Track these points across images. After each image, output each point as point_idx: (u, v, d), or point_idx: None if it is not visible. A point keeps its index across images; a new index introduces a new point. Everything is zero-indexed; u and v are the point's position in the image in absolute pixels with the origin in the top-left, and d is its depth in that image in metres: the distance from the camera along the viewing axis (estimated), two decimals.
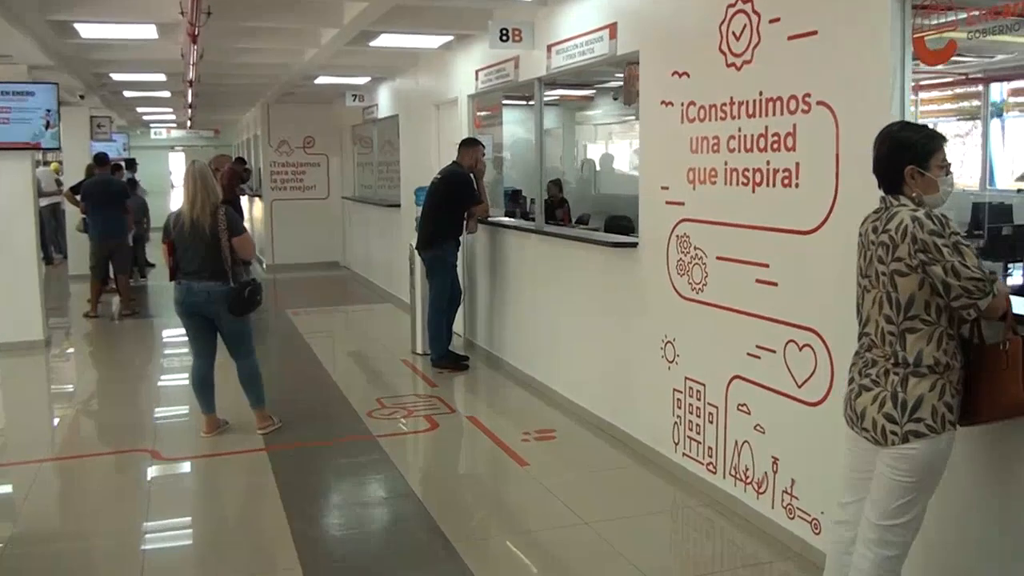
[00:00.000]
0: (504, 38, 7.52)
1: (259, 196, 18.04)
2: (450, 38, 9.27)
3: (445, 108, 10.44)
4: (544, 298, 7.69)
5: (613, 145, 15.99)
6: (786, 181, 4.65)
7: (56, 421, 7.70)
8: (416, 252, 9.07)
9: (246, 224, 7.88)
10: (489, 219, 8.72)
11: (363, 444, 6.51)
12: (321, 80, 12.84)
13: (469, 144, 8.60)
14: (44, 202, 17.43)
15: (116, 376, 9.12)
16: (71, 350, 10.63)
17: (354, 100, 13.84)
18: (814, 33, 4.41)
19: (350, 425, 6.95)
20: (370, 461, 6.18)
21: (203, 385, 6.61)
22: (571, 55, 6.97)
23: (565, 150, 15.65)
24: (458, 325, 9.16)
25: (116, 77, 12.46)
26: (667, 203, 5.71)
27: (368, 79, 13.04)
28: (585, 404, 6.96)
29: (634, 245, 6.17)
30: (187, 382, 6.88)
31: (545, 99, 8.05)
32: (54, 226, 18.29)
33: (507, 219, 9.04)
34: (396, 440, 6.68)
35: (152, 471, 6.07)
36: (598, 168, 14.99)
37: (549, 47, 7.33)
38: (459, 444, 6.85)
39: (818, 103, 4.40)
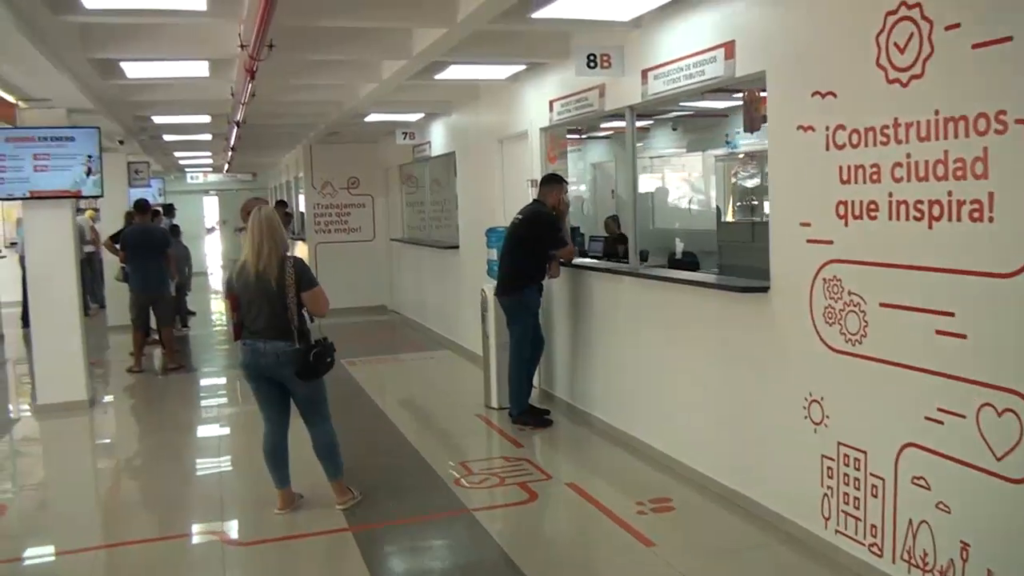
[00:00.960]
0: (592, 64, 6.85)
1: (302, 239, 17.43)
2: (521, 68, 8.60)
3: (510, 143, 9.78)
4: (643, 348, 6.97)
5: (668, 178, 15.36)
6: (975, 214, 3.91)
7: (108, 497, 7.00)
8: (490, 297, 8.38)
9: None
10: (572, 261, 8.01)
11: (459, 521, 5.77)
12: (372, 118, 12.22)
13: (552, 181, 7.91)
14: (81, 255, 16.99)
15: (170, 441, 8.43)
16: (117, 411, 9.96)
17: (404, 138, 13.21)
18: (1007, 39, 3.69)
19: (439, 497, 6.21)
20: (472, 542, 5.47)
21: (276, 456, 5.91)
22: (673, 79, 6.26)
23: (618, 184, 14.97)
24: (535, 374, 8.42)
25: (158, 120, 11.89)
26: (808, 241, 4.98)
27: (421, 115, 12.42)
28: (702, 468, 6.19)
29: (764, 290, 5.42)
30: (251, 446, 6.21)
31: (596, 133, 7.35)
32: (90, 275, 17.73)
33: (592, 260, 8.31)
34: (495, 515, 5.94)
35: (226, 559, 5.35)
36: (653, 202, 14.29)
37: (644, 72, 6.64)
38: (567, 519, 6.06)
39: (1016, 121, 3.67)
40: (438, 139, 12.55)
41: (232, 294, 5.72)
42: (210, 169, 24.84)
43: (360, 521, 5.74)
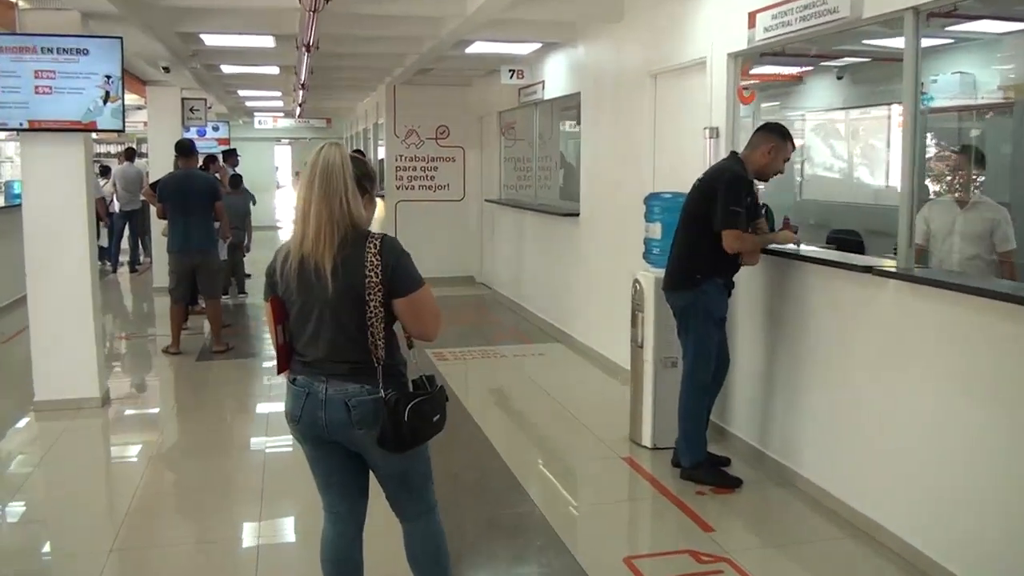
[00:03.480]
0: None
1: (380, 196, 15.06)
2: None
3: (670, 79, 7.23)
4: (909, 396, 4.43)
5: (818, 141, 12.62)
6: None
7: (116, 557, 4.66)
8: (648, 291, 5.91)
9: None
10: (779, 247, 5.46)
11: None
12: (476, 48, 9.73)
13: (768, 132, 5.36)
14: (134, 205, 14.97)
15: (198, 470, 6.13)
16: (134, 416, 7.65)
17: (511, 76, 10.69)
18: None
19: None
20: None
21: (340, 567, 3.49)
22: None
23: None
24: None
25: (210, 41, 9.51)
26: None
27: (536, 47, 9.87)
28: None
29: None
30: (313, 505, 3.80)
31: None
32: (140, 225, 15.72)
33: (814, 250, 5.71)
34: None
35: None
36: (802, 172, 11.62)
37: None
38: None
39: None
40: (556, 77, 9.99)
41: (274, 297, 3.30)
42: (281, 114, 22.53)
43: None
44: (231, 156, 14.26)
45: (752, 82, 6.96)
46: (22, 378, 7.30)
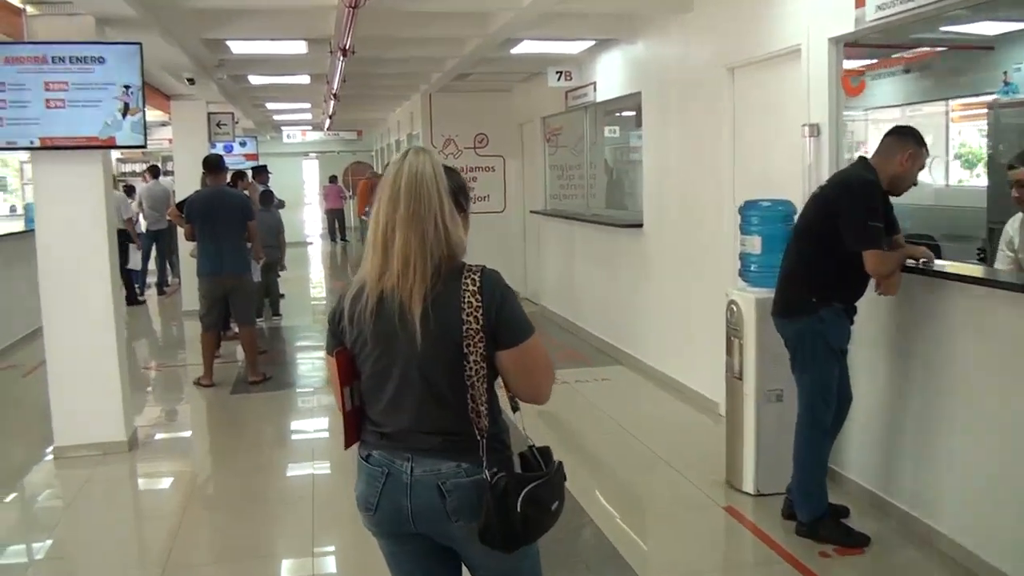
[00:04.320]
0: None
1: None
2: None
3: (751, 73, 6.46)
4: None
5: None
6: None
7: None
8: (748, 315, 5.13)
9: None
10: (925, 264, 4.63)
11: None
12: (522, 48, 8.99)
13: (902, 136, 4.55)
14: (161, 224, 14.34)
15: (238, 525, 5.41)
16: (168, 458, 6.93)
17: (559, 79, 9.93)
18: None
19: None
20: None
21: None
22: None
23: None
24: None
25: (238, 48, 8.82)
26: None
27: (589, 45, 9.10)
28: None
29: None
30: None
31: None
32: (168, 245, 15.08)
33: (956, 264, 4.88)
34: None
35: None
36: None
37: None
38: None
39: None
40: (610, 77, 9.21)
41: (341, 350, 2.55)
42: (309, 127, 21.87)
43: None
44: (261, 172, 13.60)
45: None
46: (42, 418, 6.61)
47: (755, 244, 5.24)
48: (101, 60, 6.03)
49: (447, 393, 2.41)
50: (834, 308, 4.55)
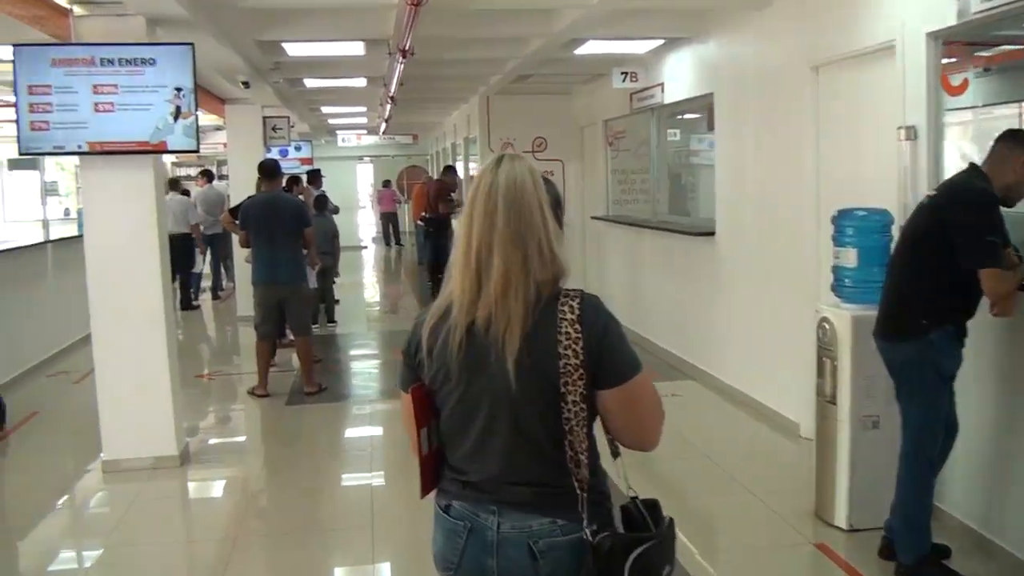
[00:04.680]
0: None
1: None
2: None
3: (837, 72, 6.03)
4: None
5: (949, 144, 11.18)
6: None
7: None
8: (842, 333, 4.72)
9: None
10: None
11: None
12: (587, 49, 8.64)
13: (1014, 142, 4.10)
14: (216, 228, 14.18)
15: (296, 550, 5.10)
16: (222, 474, 6.62)
17: (624, 80, 9.54)
18: None
19: None
20: None
21: None
22: None
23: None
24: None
25: (293, 50, 8.54)
26: None
27: (657, 44, 8.70)
28: None
29: None
30: None
31: None
32: (222, 251, 14.92)
33: None
34: None
35: None
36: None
37: None
38: None
39: None
40: (679, 78, 8.80)
41: (418, 387, 2.20)
42: (364, 131, 21.66)
43: None
44: (316, 177, 13.37)
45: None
46: (91, 428, 6.35)
47: (850, 257, 4.81)
48: (152, 62, 5.77)
49: (542, 438, 2.07)
50: (946, 331, 4.12)
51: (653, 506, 2.19)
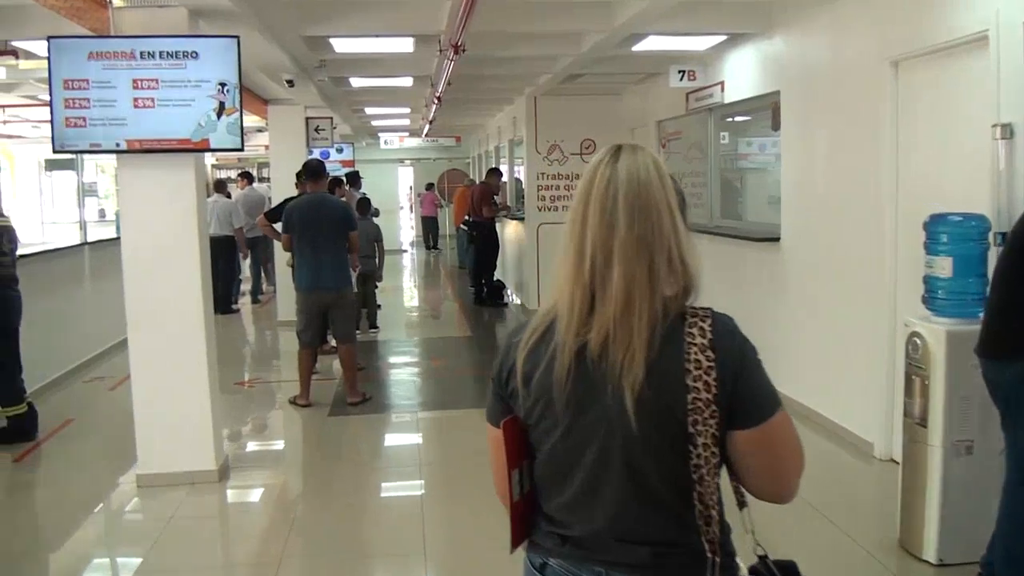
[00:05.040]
0: None
1: (519, 219, 13.69)
2: None
3: (922, 65, 5.63)
4: None
5: None
6: None
7: None
8: (936, 350, 4.32)
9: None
10: None
11: None
12: (646, 45, 8.26)
13: None
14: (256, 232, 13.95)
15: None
16: (263, 489, 6.33)
17: (681, 79, 9.16)
18: None
19: None
20: None
21: None
22: None
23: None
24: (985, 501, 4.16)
25: (341, 46, 8.25)
26: None
27: (720, 40, 8.30)
28: None
29: None
30: None
31: None
32: (263, 254, 14.69)
33: None
34: None
35: None
36: None
37: None
38: None
39: None
40: (741, 76, 8.41)
41: (511, 420, 1.85)
42: (406, 133, 21.38)
43: None
44: (355, 180, 13.08)
45: None
46: (127, 437, 6.07)
47: (944, 266, 4.42)
48: (194, 55, 5.48)
49: (663, 487, 1.72)
50: None
51: (790, 569, 1.83)
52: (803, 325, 7.14)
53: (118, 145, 5.49)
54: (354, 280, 9.27)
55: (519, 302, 14.06)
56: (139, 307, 5.77)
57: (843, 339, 6.47)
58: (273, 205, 11.82)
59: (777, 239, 7.52)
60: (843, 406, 6.51)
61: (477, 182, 19.30)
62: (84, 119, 5.41)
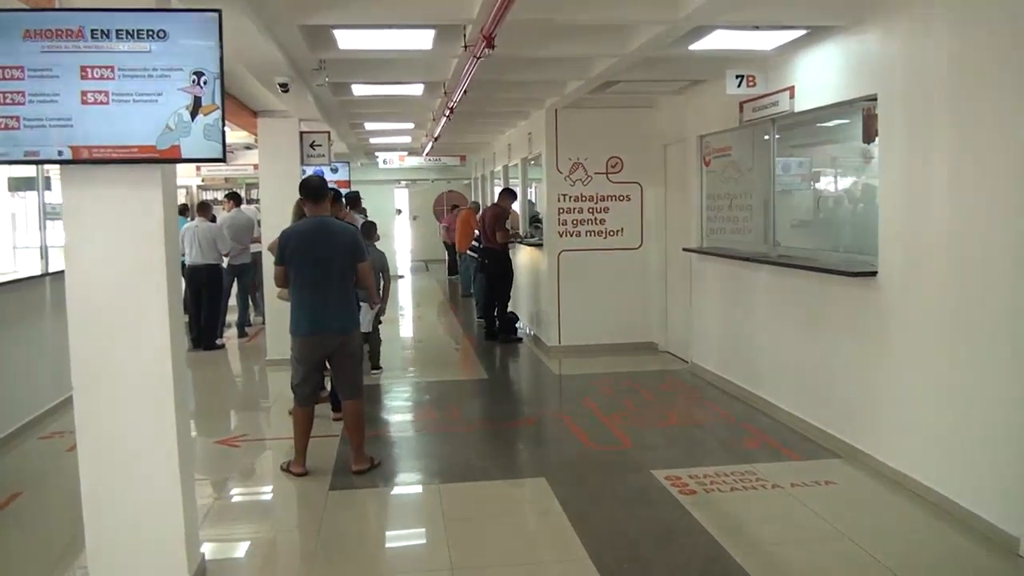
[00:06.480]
0: None
1: (538, 245, 12.37)
2: None
3: None
4: None
5: None
6: None
7: None
8: None
9: None
10: None
11: None
12: (706, 44, 7.02)
13: None
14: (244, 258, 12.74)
15: None
16: None
17: (739, 84, 7.87)
18: None
19: None
20: None
21: None
22: None
23: None
24: None
25: (345, 41, 6.96)
26: None
27: (796, 35, 7.01)
28: None
29: None
30: None
31: None
32: (251, 280, 13.38)
33: None
34: None
35: None
36: None
37: None
38: None
39: None
40: (818, 78, 7.11)
41: None
42: (406, 152, 20.02)
43: None
44: (356, 202, 11.73)
45: None
46: (81, 525, 4.64)
47: None
48: (162, 35, 4.15)
49: None
50: None
51: None
52: (910, 378, 5.85)
53: (60, 153, 4.14)
54: (369, 319, 7.97)
55: (533, 334, 12.74)
56: (88, 368, 4.40)
57: (970, 399, 5.19)
58: (265, 228, 10.54)
59: (874, 273, 6.21)
60: (974, 488, 5.19)
61: (480, 204, 18.04)
62: (16, 119, 4.07)
